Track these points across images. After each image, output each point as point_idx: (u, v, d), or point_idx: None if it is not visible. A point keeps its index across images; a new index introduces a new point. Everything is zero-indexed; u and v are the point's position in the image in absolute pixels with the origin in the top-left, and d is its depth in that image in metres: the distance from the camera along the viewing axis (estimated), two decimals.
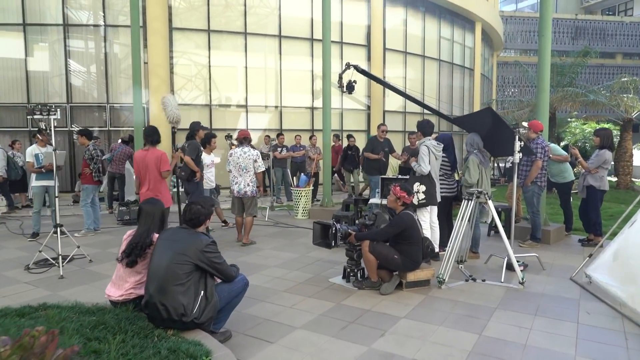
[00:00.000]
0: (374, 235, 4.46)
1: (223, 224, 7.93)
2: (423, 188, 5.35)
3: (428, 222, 5.50)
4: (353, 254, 4.72)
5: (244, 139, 6.54)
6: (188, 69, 12.57)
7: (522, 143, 5.02)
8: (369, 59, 14.62)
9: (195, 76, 12.59)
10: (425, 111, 15.74)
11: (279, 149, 11.43)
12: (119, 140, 10.21)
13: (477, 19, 18.45)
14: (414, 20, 15.91)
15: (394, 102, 15.45)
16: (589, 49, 14.88)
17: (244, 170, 6.41)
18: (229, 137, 12.12)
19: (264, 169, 6.47)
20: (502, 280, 4.77)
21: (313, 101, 13.85)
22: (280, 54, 13.28)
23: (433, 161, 5.43)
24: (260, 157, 6.50)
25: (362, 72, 13.14)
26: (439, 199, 5.58)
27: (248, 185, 6.45)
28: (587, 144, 16.83)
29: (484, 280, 4.80)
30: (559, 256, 5.94)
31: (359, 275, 4.73)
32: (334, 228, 4.49)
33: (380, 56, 14.77)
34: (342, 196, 12.48)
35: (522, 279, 4.60)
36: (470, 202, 4.74)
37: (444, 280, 4.60)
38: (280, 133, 11.91)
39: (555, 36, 33.17)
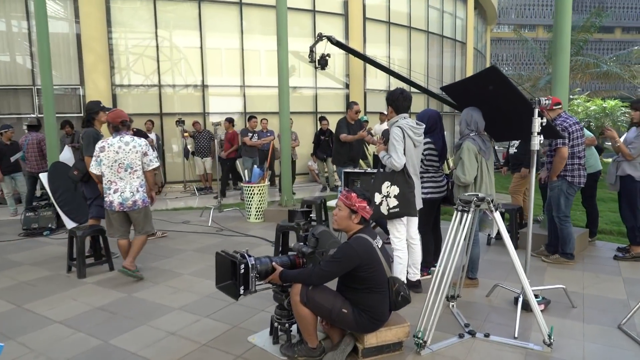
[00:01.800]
0: (307, 276, 2.71)
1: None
2: (395, 190, 3.61)
3: (404, 239, 3.76)
4: (283, 300, 2.99)
5: (121, 124, 4.36)
6: (131, 43, 10.63)
7: (545, 121, 3.28)
8: (346, 30, 12.74)
9: (139, 52, 10.67)
10: (413, 90, 13.98)
11: (250, 135, 9.65)
12: (25, 129, 8.36)
13: None
14: None
15: (376, 80, 13.64)
16: (602, 15, 13.07)
17: (128, 171, 4.30)
18: (180, 122, 10.30)
19: (157, 165, 4.53)
20: (516, 335, 3.07)
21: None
22: (242, 24, 11.37)
23: (410, 150, 3.68)
24: (151, 147, 4.56)
25: (337, 44, 11.26)
26: (419, 205, 3.85)
27: (137, 191, 4.36)
28: (591, 124, 15.14)
29: (487, 336, 3.09)
30: (589, 279, 4.24)
31: (292, 331, 3.01)
32: (242, 265, 2.74)
33: (360, 27, 12.90)
34: (315, 189, 10.79)
35: (550, 337, 2.89)
36: (466, 215, 3.00)
37: (425, 342, 2.89)
38: (252, 116, 10.10)
39: (551, 9, 31.29)
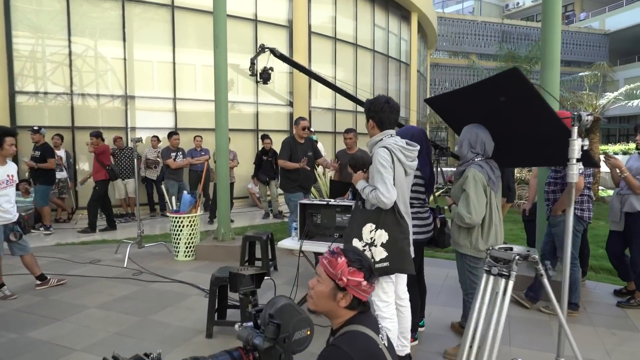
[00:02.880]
0: None
1: (38, 283, 4.67)
2: (384, 236, 2.59)
3: (393, 303, 2.74)
4: None
5: None
6: (38, 45, 8.96)
7: (587, 144, 2.43)
8: (291, 43, 11.84)
9: (49, 57, 9.02)
10: (361, 108, 13.29)
11: (173, 154, 8.31)
12: None
13: (413, 8, 16.40)
14: (344, 2, 13.37)
15: (322, 97, 12.81)
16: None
17: None
18: (97, 136, 8.73)
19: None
20: None
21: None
22: (174, 29, 10.08)
23: (400, 179, 2.69)
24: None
25: (281, 57, 10.30)
26: (412, 254, 2.86)
27: None
28: None
29: None
30: (607, 338, 3.44)
31: None
32: None
33: (305, 41, 12.06)
34: (256, 215, 9.60)
35: None
36: (505, 281, 2.03)
37: None
38: (173, 132, 8.76)
39: (484, 39, 32.74)
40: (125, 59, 9.53)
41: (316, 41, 12.43)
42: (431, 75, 29.07)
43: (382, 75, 15.31)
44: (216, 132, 5.93)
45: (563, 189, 3.81)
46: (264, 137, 9.25)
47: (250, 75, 10.17)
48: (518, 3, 40.51)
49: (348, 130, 6.02)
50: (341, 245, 1.75)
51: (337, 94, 11.88)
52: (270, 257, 5.14)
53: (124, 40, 9.49)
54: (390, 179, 2.57)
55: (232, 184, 8.77)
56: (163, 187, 7.09)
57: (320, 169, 8.15)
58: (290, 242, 3.92)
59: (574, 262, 3.77)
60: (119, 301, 4.27)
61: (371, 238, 2.60)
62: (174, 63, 10.06)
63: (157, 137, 9.35)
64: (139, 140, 6.05)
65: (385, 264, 2.57)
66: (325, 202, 3.82)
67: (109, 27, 9.41)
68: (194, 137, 9.08)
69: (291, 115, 11.98)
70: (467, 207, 2.84)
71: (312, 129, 7.59)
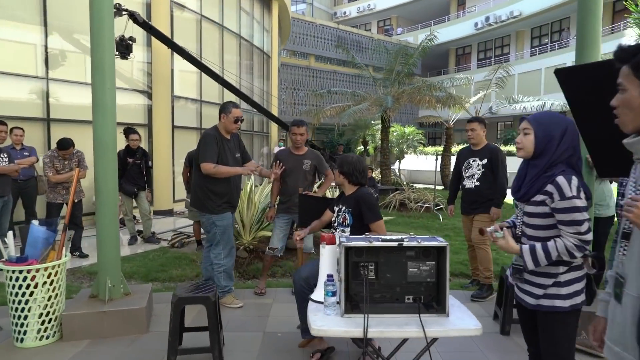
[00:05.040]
0: None
1: None
2: None
3: None
4: None
5: None
6: None
7: None
8: (149, 11, 9.20)
9: None
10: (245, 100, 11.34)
11: None
12: None
13: None
14: None
15: (185, 84, 10.44)
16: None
17: None
18: None
19: None
20: None
21: (49, 66, 7.59)
22: None
23: None
24: None
25: (143, 24, 7.80)
26: None
27: None
28: (398, 148, 15.77)
29: None
30: None
31: None
32: None
33: (167, 11, 9.54)
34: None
35: None
36: None
37: None
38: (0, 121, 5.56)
39: (321, 42, 33.27)
40: None
41: (179, 15, 10.01)
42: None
43: (248, 64, 13.52)
44: (95, 118, 3.52)
45: None
46: (129, 131, 6.67)
47: None
48: (345, 12, 42.90)
49: (298, 123, 4.27)
50: None
51: (209, 83, 9.78)
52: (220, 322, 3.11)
53: None
54: None
55: (80, 202, 5.99)
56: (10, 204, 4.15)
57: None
58: (334, 322, 2.07)
59: None
60: None
61: None
62: None
63: None
64: None
65: None
66: (395, 242, 2.10)
67: None
68: (11, 130, 6.05)
69: (149, 106, 9.34)
70: None
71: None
